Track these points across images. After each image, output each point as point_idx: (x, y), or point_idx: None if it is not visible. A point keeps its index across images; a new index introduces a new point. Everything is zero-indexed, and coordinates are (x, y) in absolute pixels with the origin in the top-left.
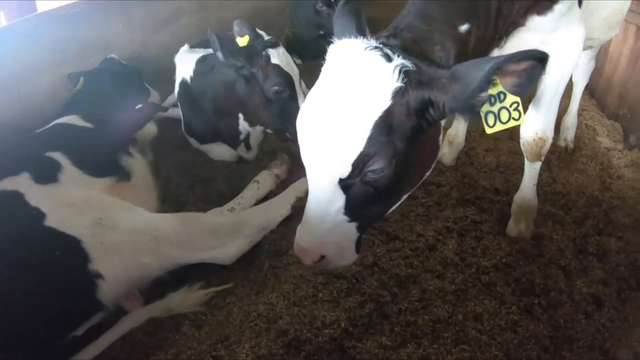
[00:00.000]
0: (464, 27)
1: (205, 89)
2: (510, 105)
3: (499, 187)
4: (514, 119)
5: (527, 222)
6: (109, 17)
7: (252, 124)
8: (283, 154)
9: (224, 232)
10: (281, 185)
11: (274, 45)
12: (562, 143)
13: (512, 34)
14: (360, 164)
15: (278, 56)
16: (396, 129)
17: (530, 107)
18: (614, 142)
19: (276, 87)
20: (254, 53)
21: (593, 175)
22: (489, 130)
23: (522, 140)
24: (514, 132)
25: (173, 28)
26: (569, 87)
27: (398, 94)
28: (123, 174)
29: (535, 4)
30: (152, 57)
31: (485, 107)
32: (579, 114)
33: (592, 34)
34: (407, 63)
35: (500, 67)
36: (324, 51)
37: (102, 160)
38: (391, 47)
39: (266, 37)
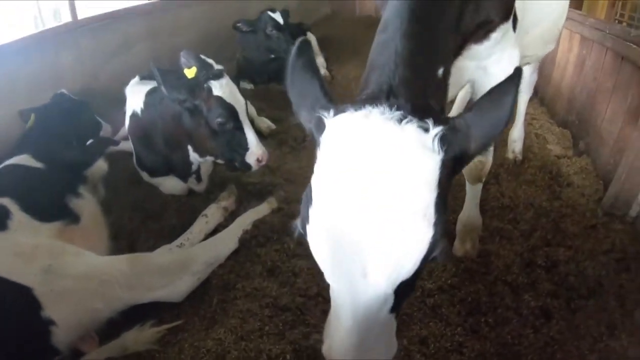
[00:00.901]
0: (440, 71)
1: (155, 121)
2: None
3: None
4: None
5: (472, 241)
6: (59, 50)
7: (201, 155)
8: (231, 185)
9: (172, 270)
10: (230, 217)
11: (217, 76)
12: (510, 155)
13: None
14: (428, 255)
15: (220, 87)
16: (444, 196)
17: None
18: (564, 149)
19: (219, 119)
20: (196, 86)
21: (542, 185)
22: None
23: None
24: None
25: (124, 57)
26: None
27: (443, 165)
28: (72, 217)
29: (473, 33)
30: (104, 88)
31: None
32: (529, 124)
33: (528, 50)
34: (439, 127)
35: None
36: (276, 75)
37: (51, 204)
38: (405, 110)
39: (215, 66)
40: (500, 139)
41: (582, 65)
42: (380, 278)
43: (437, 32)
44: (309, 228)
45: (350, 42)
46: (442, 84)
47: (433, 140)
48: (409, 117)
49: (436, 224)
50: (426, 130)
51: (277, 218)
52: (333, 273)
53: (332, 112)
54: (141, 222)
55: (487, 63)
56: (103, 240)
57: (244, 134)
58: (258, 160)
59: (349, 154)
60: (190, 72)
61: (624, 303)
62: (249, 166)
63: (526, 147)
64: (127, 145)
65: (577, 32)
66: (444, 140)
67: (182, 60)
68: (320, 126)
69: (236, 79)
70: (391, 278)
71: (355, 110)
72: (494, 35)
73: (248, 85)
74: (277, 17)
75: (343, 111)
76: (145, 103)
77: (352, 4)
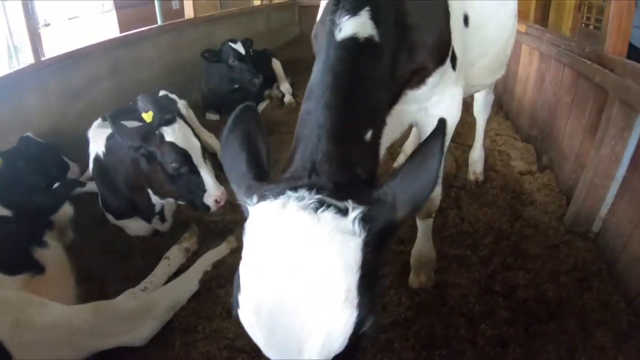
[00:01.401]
0: (369, 135)
1: (117, 164)
2: None
3: (404, 236)
4: None
5: (427, 273)
6: (23, 92)
7: (161, 197)
8: (193, 225)
9: (134, 315)
10: (192, 257)
11: (169, 122)
12: (471, 177)
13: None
14: (356, 332)
15: (173, 133)
16: (371, 272)
17: None
18: (528, 164)
19: (174, 165)
20: (149, 132)
21: (504, 206)
22: None
23: None
24: None
25: (90, 95)
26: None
27: (365, 245)
28: (37, 269)
29: (409, 80)
30: (71, 127)
31: None
32: (493, 140)
33: (475, 81)
34: (357, 205)
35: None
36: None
37: (16, 256)
38: (326, 191)
39: (178, 101)
40: (463, 160)
41: (542, 80)
42: (314, 354)
43: (363, 95)
44: (239, 313)
45: None
46: (372, 147)
47: (353, 223)
48: (327, 203)
49: (361, 304)
50: (345, 213)
51: (237, 258)
52: (269, 351)
53: (254, 198)
54: (109, 265)
55: (427, 105)
56: (70, 288)
57: (199, 176)
58: (216, 202)
59: (269, 243)
60: (147, 117)
61: (585, 324)
62: (207, 207)
63: (489, 166)
64: (94, 186)
65: (535, 47)
66: (365, 219)
67: (140, 104)
68: (245, 211)
69: (202, 110)
70: (323, 354)
71: (275, 196)
72: (431, 80)
73: (214, 116)
74: (239, 47)
75: (264, 197)
76: (107, 147)
77: None
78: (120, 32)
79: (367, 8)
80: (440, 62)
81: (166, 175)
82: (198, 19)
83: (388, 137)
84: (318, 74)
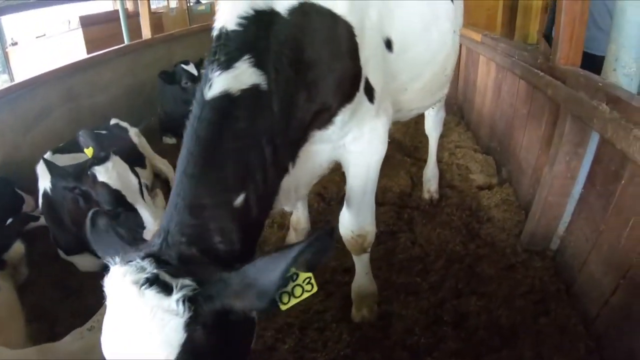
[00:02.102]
0: (239, 199)
1: (63, 201)
2: (304, 281)
3: (349, 266)
4: (307, 291)
5: (369, 307)
6: None
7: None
8: None
9: (80, 356)
10: None
11: (102, 161)
12: (426, 195)
13: (300, 150)
14: None
15: (105, 172)
16: (204, 350)
17: (344, 206)
18: (488, 176)
19: (107, 206)
20: (82, 172)
21: (459, 225)
22: (283, 307)
23: (342, 237)
24: None
25: (44, 124)
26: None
27: (191, 324)
28: None
29: (312, 121)
30: (26, 158)
31: None
32: (452, 153)
33: (411, 105)
34: (189, 283)
35: (295, 264)
36: None
37: None
38: (166, 265)
39: (130, 129)
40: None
41: (499, 90)
42: None
43: (235, 158)
44: None
45: None
46: (246, 212)
47: (176, 303)
48: (157, 280)
49: None
50: (170, 292)
51: None
52: None
53: (117, 258)
54: (61, 302)
55: (345, 142)
56: (19, 329)
57: (137, 213)
58: None
59: (110, 309)
60: (88, 152)
61: (541, 350)
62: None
63: (446, 182)
64: None
65: (490, 57)
66: (193, 300)
67: (81, 139)
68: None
69: (159, 134)
70: None
71: (124, 262)
72: (339, 119)
73: (170, 140)
74: (191, 68)
75: (123, 260)
76: (52, 183)
77: None
78: (87, 49)
79: (247, 56)
80: (346, 99)
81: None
82: (156, 39)
83: (303, 181)
84: (186, 137)
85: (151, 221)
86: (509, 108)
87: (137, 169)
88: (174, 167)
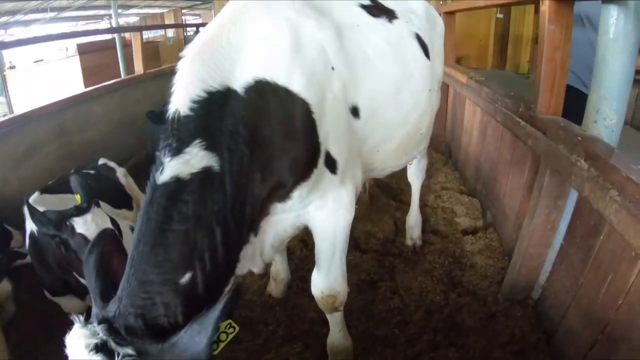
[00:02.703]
0: (185, 278)
1: (48, 244)
2: (226, 327)
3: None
4: (231, 333)
5: None
6: None
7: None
8: None
9: None
10: None
11: (82, 212)
12: (409, 242)
13: (263, 221)
14: None
15: (84, 224)
16: None
17: (315, 267)
18: (473, 219)
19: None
20: (62, 221)
21: (440, 273)
22: (215, 353)
23: (314, 296)
24: None
25: (34, 160)
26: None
27: None
28: None
29: (271, 194)
30: (15, 193)
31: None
32: (438, 196)
33: (385, 164)
34: (130, 353)
35: (216, 330)
36: None
37: None
38: (116, 332)
39: (118, 169)
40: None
41: (484, 132)
42: None
43: (183, 239)
44: None
45: None
46: (193, 287)
47: None
48: (104, 346)
49: None
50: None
51: None
52: None
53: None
54: (45, 342)
55: (308, 209)
56: None
57: None
58: None
59: None
60: (77, 198)
61: None
62: None
63: (430, 227)
64: None
65: (474, 101)
66: None
67: (72, 184)
68: None
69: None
70: None
71: (83, 324)
72: (296, 194)
73: None
74: None
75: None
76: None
77: None
78: (83, 76)
79: (198, 140)
80: (302, 178)
81: (82, 264)
82: (147, 74)
83: (269, 246)
84: (138, 216)
85: None
86: (493, 152)
87: (124, 211)
88: None
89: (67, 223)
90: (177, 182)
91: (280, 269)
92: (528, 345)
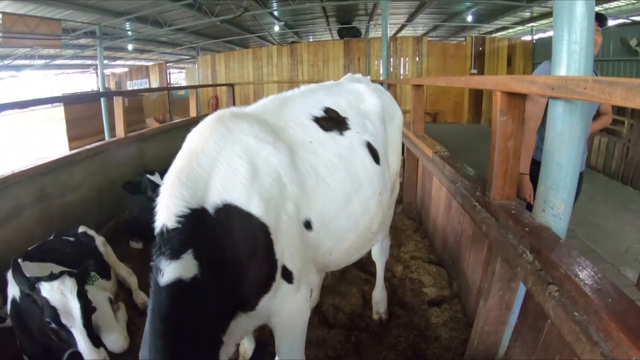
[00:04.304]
0: None
1: (31, 309)
2: None
3: None
4: None
5: None
6: None
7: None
8: None
9: None
10: None
11: (52, 278)
12: (375, 316)
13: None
14: None
15: (50, 289)
16: None
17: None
18: (441, 289)
19: (46, 319)
20: (34, 284)
21: (405, 347)
22: None
23: None
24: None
25: (15, 223)
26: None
27: None
28: None
29: (237, 307)
30: None
31: None
32: (406, 266)
33: (340, 262)
34: None
35: None
36: None
37: None
38: None
39: (97, 237)
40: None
41: (449, 205)
42: None
43: (187, 335)
44: None
45: None
46: None
47: None
48: None
49: None
50: None
51: None
52: None
53: None
54: None
55: (269, 315)
56: None
57: (71, 335)
58: None
59: None
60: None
61: None
62: None
63: (397, 299)
64: None
65: (438, 178)
66: None
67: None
68: None
69: (126, 237)
70: None
71: None
72: (260, 305)
73: (137, 245)
74: (156, 179)
75: None
76: (21, 291)
77: None
78: (67, 127)
79: (190, 249)
80: (264, 291)
81: (49, 328)
82: (129, 138)
83: (233, 341)
84: (148, 320)
85: (85, 349)
86: (457, 225)
87: (102, 281)
88: (139, 274)
89: (36, 285)
90: (178, 284)
91: (247, 348)
92: None
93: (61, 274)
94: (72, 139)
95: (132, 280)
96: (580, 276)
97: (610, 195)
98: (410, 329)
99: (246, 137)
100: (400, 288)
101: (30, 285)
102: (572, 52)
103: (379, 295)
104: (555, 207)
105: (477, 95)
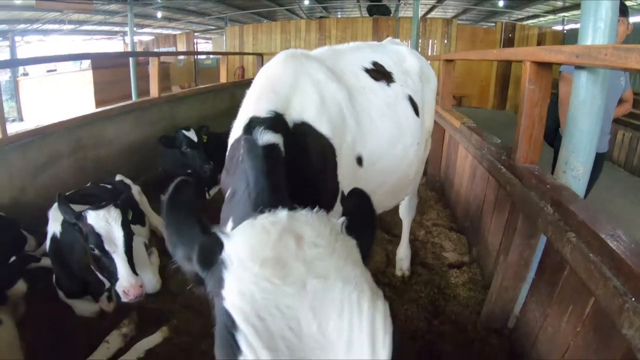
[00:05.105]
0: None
1: (71, 244)
2: None
3: None
4: None
5: None
6: None
7: (101, 274)
8: (133, 312)
9: None
10: (130, 342)
11: (98, 207)
12: (398, 273)
13: None
14: None
15: (95, 217)
16: None
17: None
18: (461, 254)
19: (90, 245)
20: (79, 213)
21: (425, 303)
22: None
23: None
24: None
25: (51, 171)
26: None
27: None
28: None
29: None
30: (31, 202)
31: None
32: (428, 232)
33: (379, 205)
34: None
35: None
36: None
37: None
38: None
39: (133, 186)
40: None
41: (474, 174)
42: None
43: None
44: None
45: None
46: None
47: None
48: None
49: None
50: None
51: (167, 348)
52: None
53: (223, 232)
54: (55, 342)
55: None
56: None
57: (112, 262)
58: (125, 293)
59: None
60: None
61: None
62: (119, 296)
63: (419, 260)
64: (48, 262)
65: (465, 147)
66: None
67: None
68: (213, 250)
69: (158, 191)
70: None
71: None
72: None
73: None
74: (191, 135)
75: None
76: (63, 227)
77: None
78: (95, 90)
79: (280, 135)
80: (328, 210)
81: (91, 255)
82: (162, 98)
83: None
84: (245, 167)
85: (124, 275)
86: (480, 193)
87: (137, 227)
88: None
89: (83, 213)
90: (272, 147)
91: None
92: None
93: (107, 203)
94: (99, 102)
95: (164, 229)
96: (596, 224)
97: (630, 190)
98: (431, 287)
99: (316, 73)
100: (422, 250)
101: (76, 214)
102: (597, 28)
103: (403, 252)
104: (575, 169)
105: (504, 81)
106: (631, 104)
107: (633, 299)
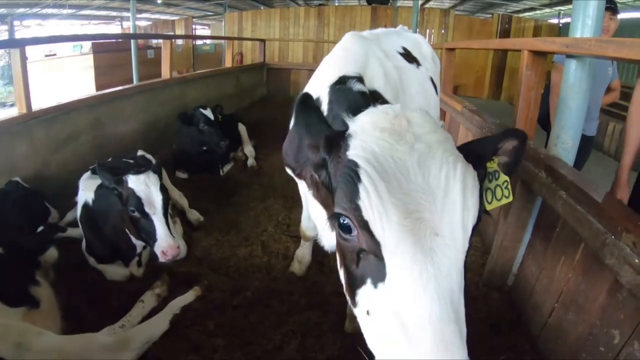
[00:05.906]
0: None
1: (104, 211)
2: (503, 184)
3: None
4: (505, 197)
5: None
6: (14, 139)
7: (136, 238)
8: (164, 274)
9: (115, 348)
10: (162, 302)
11: (138, 172)
12: None
13: None
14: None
15: (136, 181)
16: None
17: None
18: None
19: (130, 207)
20: (120, 178)
21: None
22: (488, 207)
23: None
24: None
25: (72, 146)
26: None
27: None
28: (33, 303)
29: None
30: (53, 176)
31: (485, 184)
32: None
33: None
34: None
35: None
36: (208, 166)
37: (15, 289)
38: None
39: (153, 161)
40: None
41: None
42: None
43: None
44: (368, 203)
45: (280, 126)
46: None
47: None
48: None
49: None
50: None
51: (200, 304)
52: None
53: (350, 117)
54: (88, 305)
55: None
56: (57, 322)
57: (152, 224)
58: (163, 253)
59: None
60: None
61: None
62: (156, 256)
63: None
64: (74, 232)
65: (467, 127)
66: None
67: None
68: (337, 137)
69: (172, 168)
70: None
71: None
72: None
73: (183, 175)
74: (208, 113)
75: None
76: (96, 195)
77: (287, 86)
78: (95, 74)
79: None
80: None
81: (129, 218)
82: (173, 79)
83: None
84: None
85: (163, 236)
86: None
87: None
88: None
89: (123, 178)
90: (364, 92)
91: (306, 252)
92: (502, 320)
93: (146, 169)
94: (100, 86)
95: (183, 201)
96: (582, 183)
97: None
98: None
99: (377, 51)
100: None
101: (117, 179)
102: (585, 24)
103: None
104: (565, 142)
105: (500, 72)
106: (619, 92)
107: (612, 236)
